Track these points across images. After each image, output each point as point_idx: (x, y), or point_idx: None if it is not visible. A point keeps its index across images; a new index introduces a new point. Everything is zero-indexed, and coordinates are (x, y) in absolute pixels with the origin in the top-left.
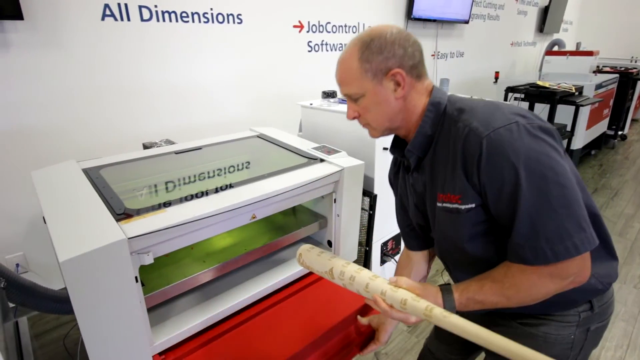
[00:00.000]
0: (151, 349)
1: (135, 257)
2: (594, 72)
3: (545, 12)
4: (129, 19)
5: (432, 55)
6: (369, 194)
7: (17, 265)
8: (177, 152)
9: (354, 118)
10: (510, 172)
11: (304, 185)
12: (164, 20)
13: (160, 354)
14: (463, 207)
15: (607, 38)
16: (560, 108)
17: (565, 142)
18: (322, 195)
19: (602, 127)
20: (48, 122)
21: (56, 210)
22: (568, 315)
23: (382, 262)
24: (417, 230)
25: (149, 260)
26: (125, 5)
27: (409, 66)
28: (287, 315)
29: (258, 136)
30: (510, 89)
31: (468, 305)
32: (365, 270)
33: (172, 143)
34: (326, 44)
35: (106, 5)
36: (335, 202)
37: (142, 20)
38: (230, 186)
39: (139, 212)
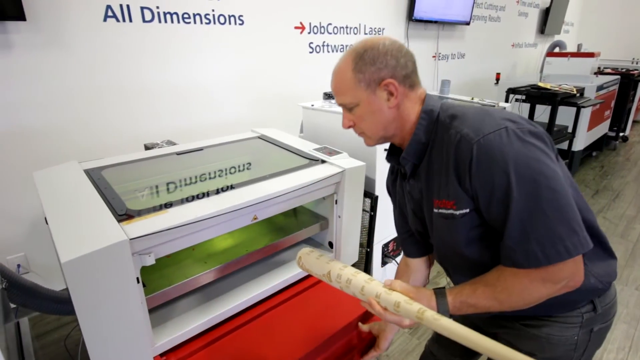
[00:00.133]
0: (152, 350)
1: (137, 258)
2: (595, 73)
3: (546, 13)
4: (130, 20)
5: (433, 56)
6: (370, 195)
7: (19, 266)
8: (178, 153)
9: (349, 127)
10: (500, 177)
11: (306, 186)
12: (165, 21)
13: (161, 355)
14: (458, 212)
15: (608, 39)
16: (562, 109)
17: (566, 143)
18: (323, 197)
19: (603, 128)
20: (49, 122)
21: (58, 211)
22: (571, 316)
23: (383, 263)
24: (416, 236)
25: (150, 261)
26: (127, 6)
27: (401, 76)
28: (289, 317)
29: (259, 137)
30: (511, 91)
31: (461, 309)
32: (362, 274)
33: (173, 144)
34: (327, 45)
35: (108, 7)
36: (336, 203)
37: (144, 21)
38: (232, 187)
39: (140, 213)
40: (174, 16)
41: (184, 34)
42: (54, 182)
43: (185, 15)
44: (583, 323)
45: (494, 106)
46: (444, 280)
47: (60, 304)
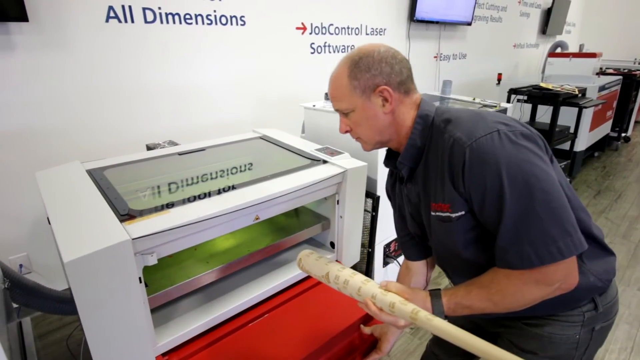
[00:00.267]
0: (154, 349)
1: (139, 258)
2: (597, 74)
3: (548, 14)
4: (132, 21)
5: (435, 57)
6: (371, 195)
7: (21, 265)
8: (180, 154)
9: (346, 132)
10: (492, 179)
11: (307, 186)
12: (167, 22)
13: (163, 354)
14: (453, 215)
15: (610, 40)
16: (564, 110)
17: (568, 144)
18: (325, 197)
19: (605, 129)
20: (52, 123)
21: (60, 211)
22: (573, 315)
23: (385, 263)
24: (415, 239)
25: (152, 261)
26: (130, 7)
27: (396, 83)
28: (291, 317)
29: (261, 137)
30: (513, 91)
31: (456, 310)
32: (359, 275)
33: (175, 144)
34: (329, 46)
35: (110, 7)
36: (338, 203)
37: (146, 22)
38: (234, 187)
39: (142, 213)
40: (176, 17)
41: (185, 35)
42: (56, 182)
43: (187, 16)
44: (585, 322)
45: (495, 107)
46: (446, 281)
47: (62, 304)
